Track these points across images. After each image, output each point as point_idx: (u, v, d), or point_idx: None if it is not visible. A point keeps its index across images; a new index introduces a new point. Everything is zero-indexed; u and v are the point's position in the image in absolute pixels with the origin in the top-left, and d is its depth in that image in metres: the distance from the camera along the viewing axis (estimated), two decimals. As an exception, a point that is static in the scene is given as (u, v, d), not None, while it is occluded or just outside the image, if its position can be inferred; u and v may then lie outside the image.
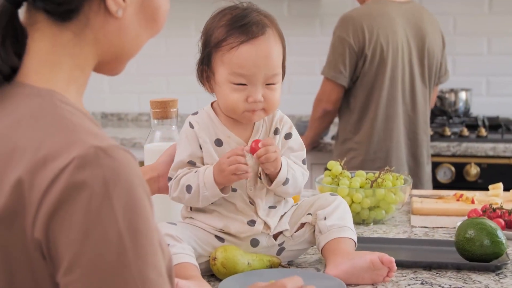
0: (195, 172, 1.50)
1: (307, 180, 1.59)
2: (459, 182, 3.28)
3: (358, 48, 2.95)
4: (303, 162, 1.59)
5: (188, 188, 1.49)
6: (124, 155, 0.89)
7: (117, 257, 0.85)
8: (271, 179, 1.52)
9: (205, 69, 1.52)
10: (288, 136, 1.58)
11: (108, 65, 1.03)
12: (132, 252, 0.86)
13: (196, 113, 1.57)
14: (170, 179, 1.54)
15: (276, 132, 1.57)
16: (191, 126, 1.54)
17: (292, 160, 1.56)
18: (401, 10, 3.02)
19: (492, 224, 1.57)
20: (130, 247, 0.85)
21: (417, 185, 3.07)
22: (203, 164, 1.52)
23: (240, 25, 1.47)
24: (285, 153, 1.57)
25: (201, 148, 1.52)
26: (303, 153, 1.59)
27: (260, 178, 1.53)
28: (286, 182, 1.52)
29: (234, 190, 1.52)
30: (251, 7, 1.52)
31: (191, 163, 1.52)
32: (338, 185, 1.94)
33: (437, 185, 3.26)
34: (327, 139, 3.43)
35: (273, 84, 1.49)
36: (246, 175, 1.46)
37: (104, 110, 4.28)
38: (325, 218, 1.55)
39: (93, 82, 4.28)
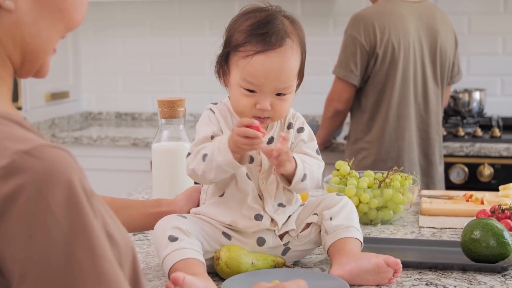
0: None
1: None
2: (473, 182, 3.26)
3: (369, 47, 2.94)
4: (317, 152, 1.59)
5: (204, 156, 1.47)
6: (53, 152, 0.85)
7: (66, 257, 0.83)
8: (288, 178, 1.52)
9: (223, 65, 1.54)
10: (300, 130, 1.60)
11: (24, 68, 0.98)
12: (80, 248, 0.83)
13: (216, 103, 1.58)
14: (189, 154, 1.53)
15: (289, 126, 1.58)
16: (213, 111, 1.56)
17: (307, 152, 1.57)
18: (413, 9, 3.01)
19: (498, 225, 1.55)
20: (77, 244, 0.83)
21: (429, 185, 3.06)
22: None
23: (259, 34, 1.47)
24: (298, 144, 1.58)
25: (222, 132, 1.53)
26: (315, 143, 1.60)
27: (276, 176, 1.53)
28: (304, 178, 1.51)
29: (249, 174, 1.52)
30: (277, 12, 1.52)
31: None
32: (345, 185, 1.93)
33: (450, 185, 3.25)
34: (340, 139, 3.43)
35: (284, 94, 1.50)
36: (255, 146, 1.42)
37: (119, 110, 4.30)
38: (331, 218, 1.55)
39: (108, 82, 4.32)
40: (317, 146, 1.60)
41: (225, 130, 1.53)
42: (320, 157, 1.59)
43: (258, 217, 1.52)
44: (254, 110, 1.50)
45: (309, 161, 1.54)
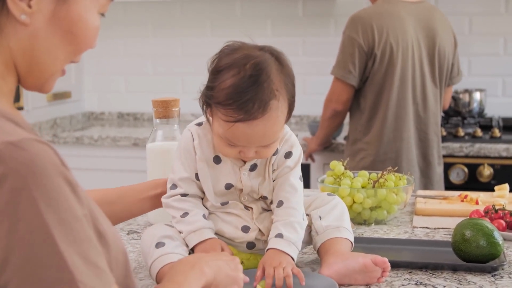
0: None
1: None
2: (472, 183, 3.26)
3: (367, 48, 2.94)
4: (300, 179, 1.55)
5: (184, 214, 1.49)
6: (38, 147, 0.88)
7: (46, 248, 0.85)
8: None
9: (206, 104, 1.45)
10: (288, 155, 1.53)
11: (28, 79, 1.03)
12: (62, 240, 0.86)
13: (200, 124, 1.52)
14: (175, 186, 1.52)
15: (275, 152, 1.51)
16: (193, 138, 1.50)
17: (290, 180, 1.51)
18: (412, 10, 3.01)
19: (489, 225, 1.55)
20: (58, 236, 0.86)
21: (427, 185, 3.06)
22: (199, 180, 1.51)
23: (241, 101, 1.36)
24: (283, 170, 1.52)
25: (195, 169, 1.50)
26: (299, 169, 1.55)
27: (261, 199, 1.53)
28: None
29: (225, 203, 1.51)
30: (265, 60, 1.38)
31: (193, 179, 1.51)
32: (339, 185, 1.93)
33: (450, 186, 3.24)
34: (340, 139, 3.43)
35: (269, 145, 1.44)
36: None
37: (121, 110, 4.31)
38: (320, 218, 1.55)
39: (110, 82, 4.32)
40: (300, 172, 1.55)
41: (200, 162, 1.49)
42: (301, 183, 1.54)
43: (245, 229, 1.51)
44: (238, 156, 1.45)
45: (293, 237, 1.46)
